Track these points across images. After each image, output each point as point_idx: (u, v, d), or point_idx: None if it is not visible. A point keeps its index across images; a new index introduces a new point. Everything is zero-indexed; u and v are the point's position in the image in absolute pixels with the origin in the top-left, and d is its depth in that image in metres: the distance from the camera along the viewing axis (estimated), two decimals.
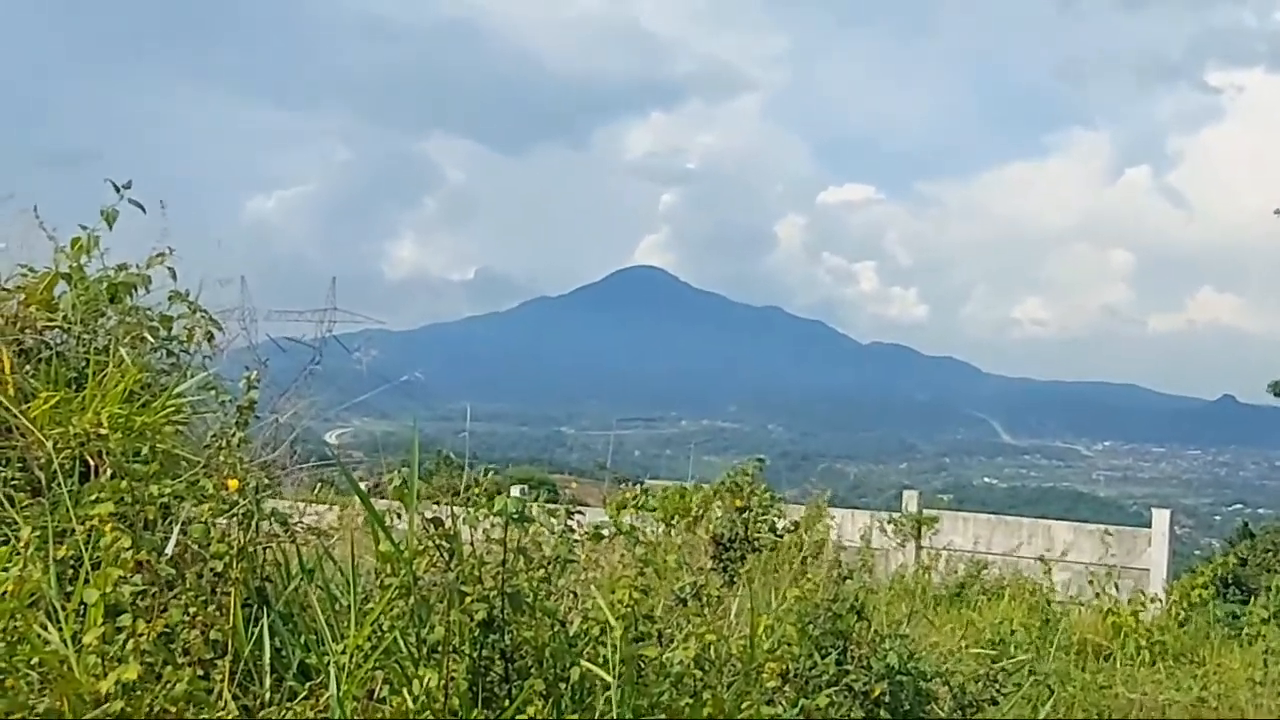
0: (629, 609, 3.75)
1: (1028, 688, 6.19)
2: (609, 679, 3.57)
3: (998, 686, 5.98)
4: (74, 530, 3.38)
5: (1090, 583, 10.80)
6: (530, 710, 3.45)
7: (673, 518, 10.19)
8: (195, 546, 3.56)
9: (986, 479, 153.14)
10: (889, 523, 12.96)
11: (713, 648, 4.05)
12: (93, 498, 3.57)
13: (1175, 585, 11.17)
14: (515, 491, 9.88)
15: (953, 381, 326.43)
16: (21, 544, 3.24)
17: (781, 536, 9.62)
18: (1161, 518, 12.12)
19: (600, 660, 3.66)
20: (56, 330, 4.52)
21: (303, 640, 3.56)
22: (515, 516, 3.68)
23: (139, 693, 2.98)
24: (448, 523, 3.65)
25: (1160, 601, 10.65)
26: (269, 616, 3.51)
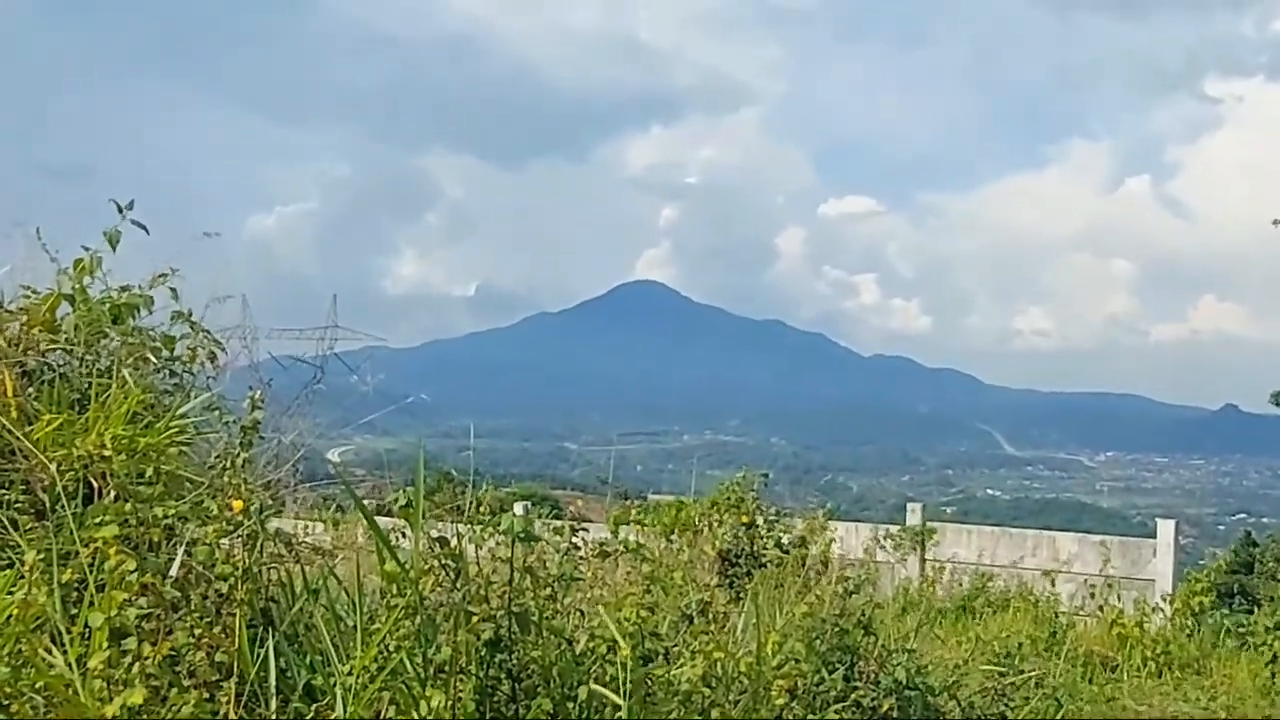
0: (636, 627, 3.73)
1: (1036, 701, 6.16)
2: (617, 700, 3.55)
3: (1006, 700, 5.95)
4: (78, 553, 3.37)
5: (1092, 595, 10.78)
6: None
7: (672, 532, 10.15)
8: (200, 568, 3.55)
9: (990, 491, 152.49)
10: (886, 537, 12.94)
11: (720, 665, 4.04)
12: (97, 520, 3.56)
13: (1175, 594, 11.14)
14: (518, 508, 9.87)
15: (955, 393, 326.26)
16: (26, 567, 3.23)
17: (788, 551, 9.59)
18: (1166, 528, 12.10)
19: (608, 679, 3.64)
20: (59, 352, 4.52)
21: (308, 661, 3.54)
22: (521, 535, 3.67)
23: (145, 716, 2.98)
24: (453, 541, 3.64)
25: (1164, 612, 10.62)
26: (274, 637, 3.49)
